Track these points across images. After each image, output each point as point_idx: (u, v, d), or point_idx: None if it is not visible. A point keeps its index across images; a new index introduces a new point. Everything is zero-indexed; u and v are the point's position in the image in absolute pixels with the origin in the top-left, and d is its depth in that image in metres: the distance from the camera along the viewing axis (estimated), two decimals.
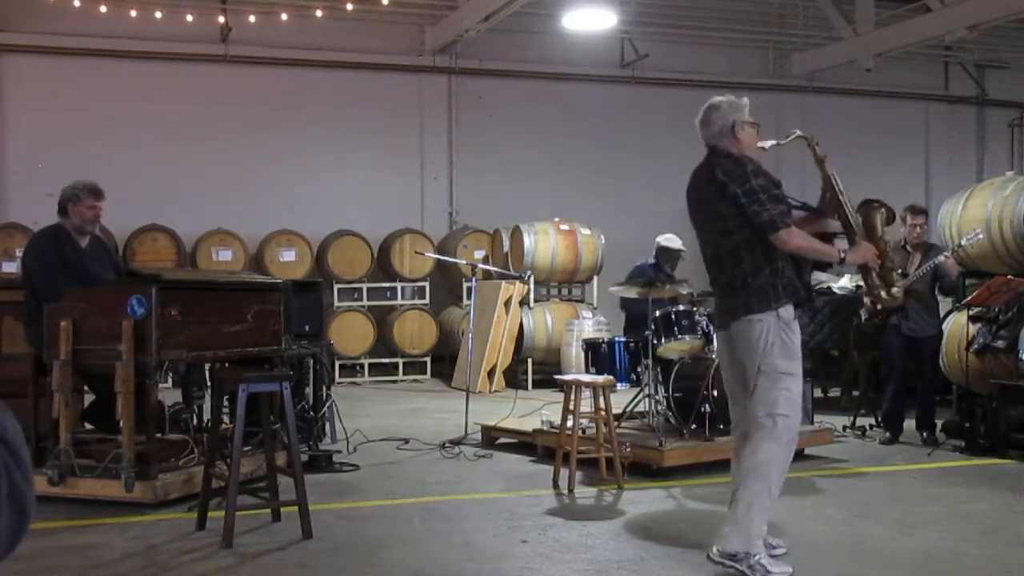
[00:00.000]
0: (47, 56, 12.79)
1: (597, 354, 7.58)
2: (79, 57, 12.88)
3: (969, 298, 8.07)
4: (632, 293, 7.69)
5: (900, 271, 7.99)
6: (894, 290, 4.92)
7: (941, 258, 7.78)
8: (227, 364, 6.15)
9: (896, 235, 8.47)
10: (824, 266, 5.00)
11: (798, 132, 4.85)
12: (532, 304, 12.49)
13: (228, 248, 12.65)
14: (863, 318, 8.26)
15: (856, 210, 4.85)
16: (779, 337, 4.43)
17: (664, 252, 8.88)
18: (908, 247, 8.13)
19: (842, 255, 4.58)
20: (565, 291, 13.49)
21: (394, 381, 13.02)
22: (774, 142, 4.75)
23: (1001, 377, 7.67)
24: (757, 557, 4.39)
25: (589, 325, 11.61)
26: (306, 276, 11.95)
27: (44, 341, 5.80)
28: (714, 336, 7.09)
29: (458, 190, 14.44)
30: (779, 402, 4.44)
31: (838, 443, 7.72)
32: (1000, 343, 7.85)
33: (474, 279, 9.15)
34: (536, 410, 8.13)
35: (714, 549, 4.51)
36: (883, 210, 4.93)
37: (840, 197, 4.79)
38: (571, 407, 6.37)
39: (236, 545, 4.92)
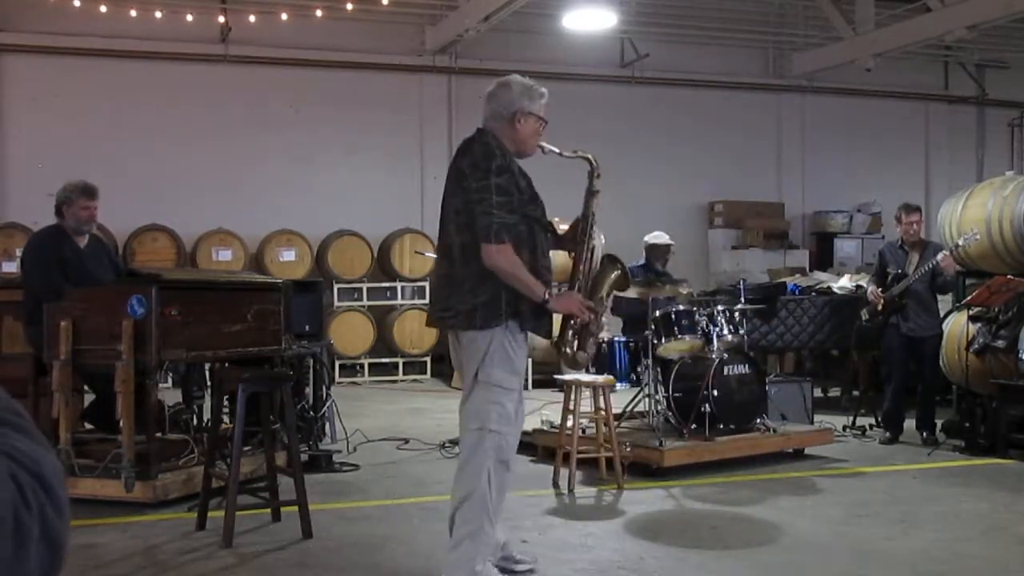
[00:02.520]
0: (47, 56, 12.78)
1: (597, 354, 7.58)
2: (79, 57, 12.87)
3: (969, 298, 8.07)
4: (632, 293, 7.69)
5: (899, 271, 8.00)
6: (580, 354, 4.35)
7: (939, 257, 7.76)
8: (227, 364, 6.15)
9: (892, 235, 8.50)
10: None
11: (588, 155, 4.46)
12: None
13: (228, 248, 12.64)
14: (864, 318, 8.25)
15: (595, 262, 4.43)
16: (503, 349, 4.10)
17: (653, 249, 8.89)
18: (905, 246, 8.12)
19: (547, 298, 4.12)
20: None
21: (394, 381, 13.02)
22: (556, 150, 4.36)
23: (1001, 377, 7.67)
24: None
25: None
26: (306, 276, 11.95)
27: (44, 341, 5.80)
28: (714, 336, 7.11)
29: None
30: (491, 416, 4.10)
31: (838, 443, 7.72)
32: (1000, 343, 7.85)
33: None
34: (536, 410, 8.13)
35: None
36: (619, 272, 4.51)
37: (585, 239, 4.40)
38: (571, 407, 6.37)
39: (236, 545, 4.92)
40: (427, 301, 13.31)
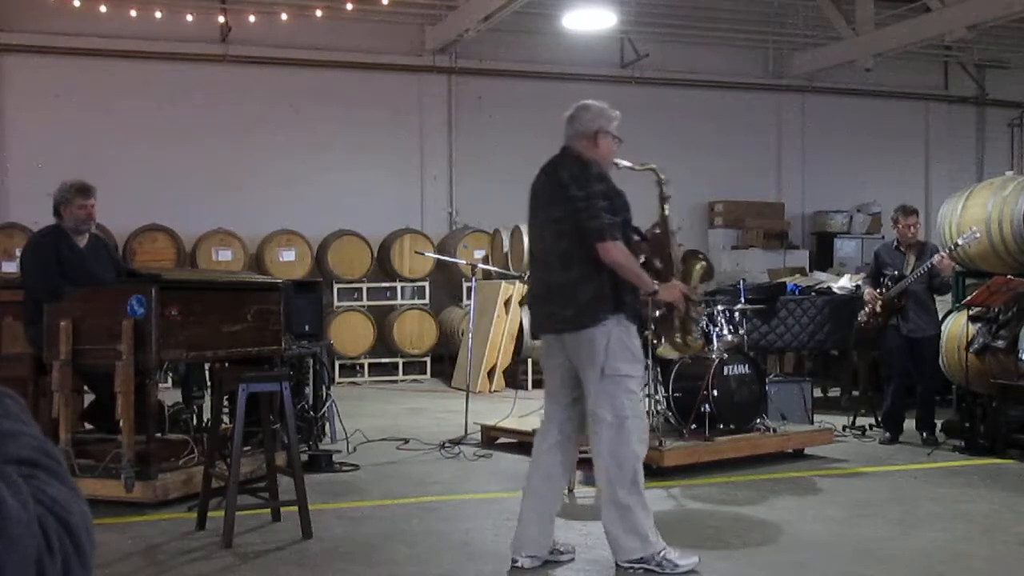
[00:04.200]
0: (47, 56, 12.79)
1: None
2: (79, 57, 12.87)
3: (969, 298, 8.07)
4: None
5: (896, 272, 8.00)
6: (690, 339, 4.88)
7: (936, 259, 7.74)
8: (227, 364, 6.15)
9: (891, 236, 8.50)
10: None
11: (654, 165, 4.89)
12: None
13: (228, 248, 12.64)
14: (861, 321, 8.24)
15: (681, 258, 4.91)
16: (620, 341, 4.45)
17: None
18: (902, 248, 8.11)
19: (655, 288, 4.56)
20: None
21: (394, 381, 13.02)
22: (629, 164, 4.77)
23: (1001, 377, 7.67)
24: (662, 552, 4.48)
25: None
26: (306, 276, 11.95)
27: (44, 341, 5.80)
28: (713, 336, 7.11)
29: (458, 190, 14.44)
30: (625, 404, 4.47)
31: (838, 443, 7.72)
32: (1000, 343, 7.85)
33: (474, 279, 9.15)
34: (536, 410, 8.12)
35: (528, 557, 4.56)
36: (703, 263, 5.00)
37: (669, 238, 4.84)
38: None
39: (236, 545, 4.92)
40: (427, 301, 13.33)
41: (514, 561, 4.60)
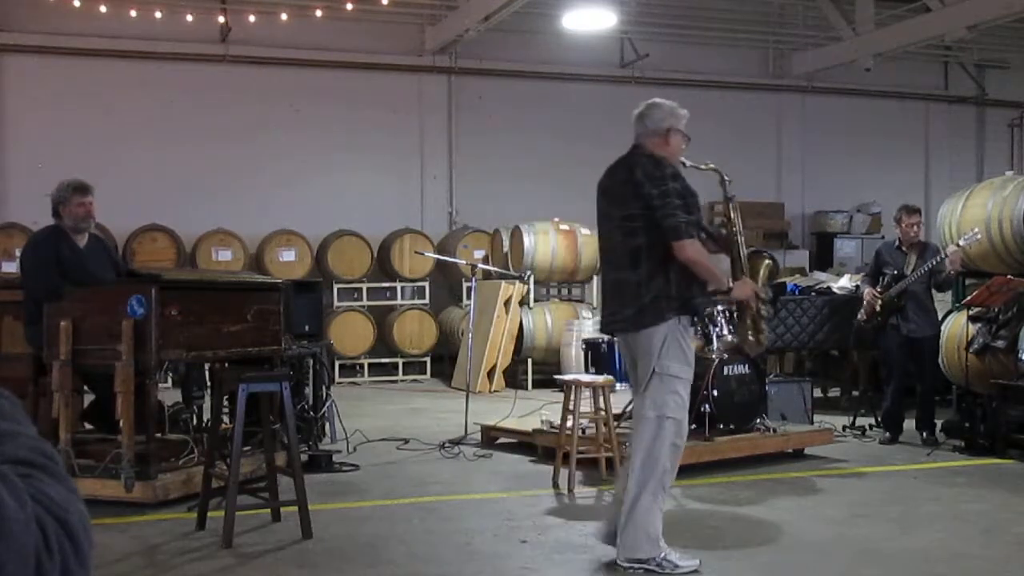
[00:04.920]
0: (47, 56, 12.79)
1: (597, 354, 7.60)
2: (79, 57, 12.88)
3: (969, 298, 8.07)
4: None
5: (896, 272, 7.99)
6: (761, 336, 4.96)
7: (950, 250, 7.65)
8: (227, 364, 6.15)
9: (891, 235, 8.49)
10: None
11: (714, 166, 4.96)
12: (532, 304, 12.48)
13: (228, 248, 12.64)
14: (861, 319, 8.23)
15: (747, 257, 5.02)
16: (675, 342, 4.52)
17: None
18: (903, 247, 8.10)
19: (729, 285, 4.67)
20: (565, 291, 13.49)
21: (394, 381, 13.01)
22: (693, 164, 4.85)
23: (1001, 377, 7.67)
24: (663, 554, 4.50)
25: (589, 325, 11.60)
26: (306, 276, 11.94)
27: (44, 341, 5.80)
28: (713, 336, 7.11)
29: (458, 190, 14.44)
30: (668, 404, 4.52)
31: (838, 443, 7.72)
32: (1000, 343, 7.85)
33: (474, 279, 9.15)
34: (536, 410, 8.13)
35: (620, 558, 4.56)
36: (769, 262, 5.17)
37: (737, 237, 4.93)
38: (571, 407, 6.37)
39: (236, 545, 4.92)
40: (427, 301, 13.34)
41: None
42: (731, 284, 4.67)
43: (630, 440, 4.74)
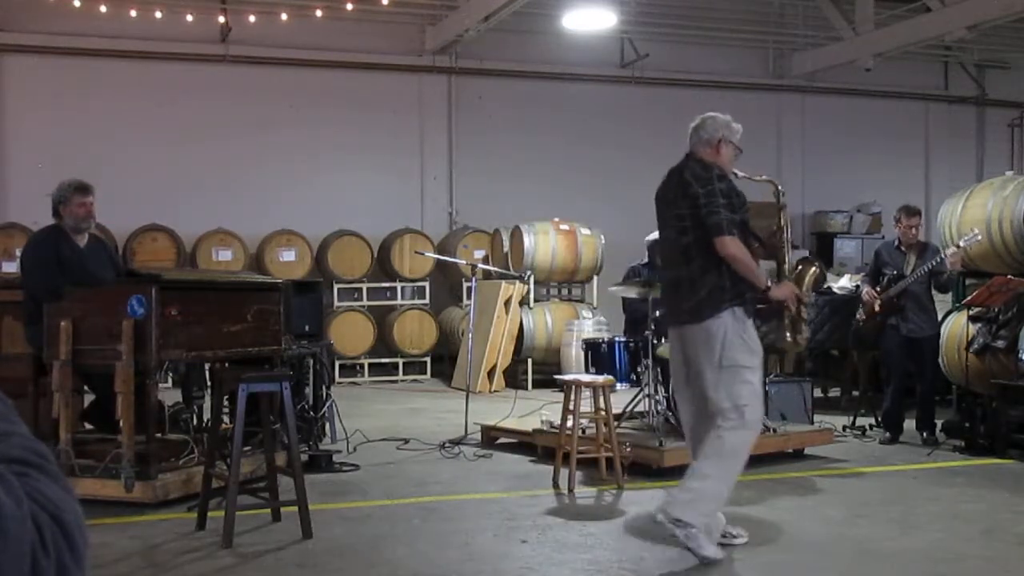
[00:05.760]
0: (47, 56, 12.79)
1: (597, 354, 7.59)
2: (79, 57, 12.88)
3: (969, 298, 8.06)
4: (632, 293, 7.70)
5: (895, 272, 7.99)
6: (800, 337, 5.15)
7: (949, 252, 7.66)
8: (227, 364, 6.15)
9: (891, 236, 8.49)
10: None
11: (767, 177, 5.26)
12: (532, 304, 12.48)
13: (228, 248, 12.64)
14: (860, 319, 8.23)
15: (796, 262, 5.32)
16: (736, 334, 4.69)
17: (655, 245, 8.92)
18: (903, 248, 8.10)
19: (768, 285, 4.81)
20: (565, 291, 13.49)
21: (394, 381, 13.02)
22: (746, 175, 5.12)
23: (1001, 377, 7.67)
24: (696, 530, 4.57)
25: (589, 325, 11.61)
26: (306, 276, 11.94)
27: (44, 341, 5.80)
28: None
29: (458, 190, 14.44)
30: (742, 393, 4.68)
31: (838, 443, 7.72)
32: (1000, 343, 7.85)
33: (474, 279, 9.14)
34: (536, 410, 8.13)
35: (663, 512, 4.66)
36: (816, 270, 5.41)
37: (784, 244, 5.16)
38: (571, 407, 6.37)
39: (236, 545, 4.92)
40: (427, 301, 13.34)
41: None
42: (770, 284, 4.83)
43: (697, 428, 4.88)
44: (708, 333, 4.68)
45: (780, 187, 5.26)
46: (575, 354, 10.90)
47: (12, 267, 11.19)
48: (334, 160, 13.74)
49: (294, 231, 12.96)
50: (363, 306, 13.07)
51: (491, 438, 7.88)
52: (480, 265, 9.80)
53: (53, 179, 6.57)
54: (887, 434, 8.06)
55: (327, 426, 7.85)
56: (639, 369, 7.36)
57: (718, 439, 4.69)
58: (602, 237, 12.80)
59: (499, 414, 8.22)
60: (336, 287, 12.95)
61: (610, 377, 6.92)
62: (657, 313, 7.17)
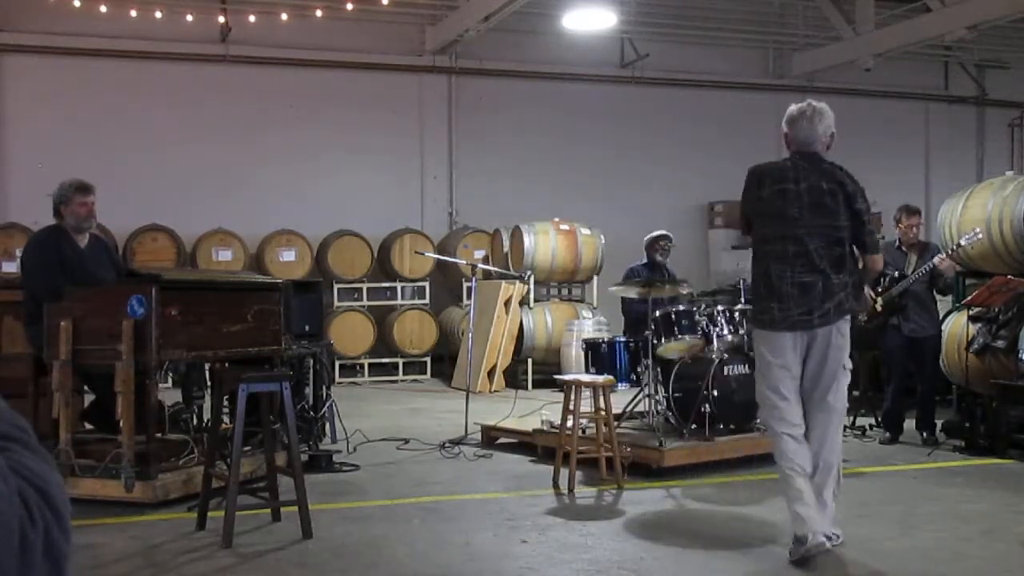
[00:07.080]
0: (47, 56, 12.79)
1: (597, 354, 7.58)
2: (79, 57, 12.87)
3: (969, 298, 8.07)
4: (632, 293, 7.70)
5: (896, 272, 7.99)
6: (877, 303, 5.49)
7: (937, 259, 7.74)
8: (227, 364, 6.15)
9: (891, 236, 8.49)
10: None
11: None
12: (532, 304, 12.48)
13: (228, 248, 12.64)
14: (862, 319, 8.23)
15: None
16: (848, 339, 4.94)
17: (654, 243, 8.93)
18: (903, 247, 8.11)
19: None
20: (565, 291, 13.49)
21: (394, 381, 13.02)
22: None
23: (1001, 377, 7.67)
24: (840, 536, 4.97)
25: (589, 325, 11.61)
26: (306, 276, 11.95)
27: (44, 341, 5.80)
28: (714, 336, 7.11)
29: (458, 190, 14.44)
30: (846, 395, 4.99)
31: None
32: (1000, 343, 7.85)
33: (474, 279, 9.14)
34: (536, 410, 8.13)
35: (822, 535, 4.70)
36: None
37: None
38: (571, 407, 6.37)
39: (236, 545, 4.92)
40: (427, 301, 13.33)
41: (822, 542, 4.71)
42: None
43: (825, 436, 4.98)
44: (840, 333, 4.84)
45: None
46: (575, 354, 10.89)
47: (12, 267, 11.18)
48: (334, 160, 13.74)
49: (294, 231, 12.96)
50: (363, 306, 13.07)
51: (491, 438, 7.88)
52: (480, 265, 9.80)
53: (53, 179, 6.57)
54: (887, 434, 8.06)
55: (327, 426, 7.85)
56: (639, 369, 7.36)
57: (835, 444, 5.00)
58: (602, 237, 12.81)
59: (499, 414, 8.22)
60: (336, 287, 12.95)
61: (610, 377, 6.92)
62: (657, 313, 7.19)
